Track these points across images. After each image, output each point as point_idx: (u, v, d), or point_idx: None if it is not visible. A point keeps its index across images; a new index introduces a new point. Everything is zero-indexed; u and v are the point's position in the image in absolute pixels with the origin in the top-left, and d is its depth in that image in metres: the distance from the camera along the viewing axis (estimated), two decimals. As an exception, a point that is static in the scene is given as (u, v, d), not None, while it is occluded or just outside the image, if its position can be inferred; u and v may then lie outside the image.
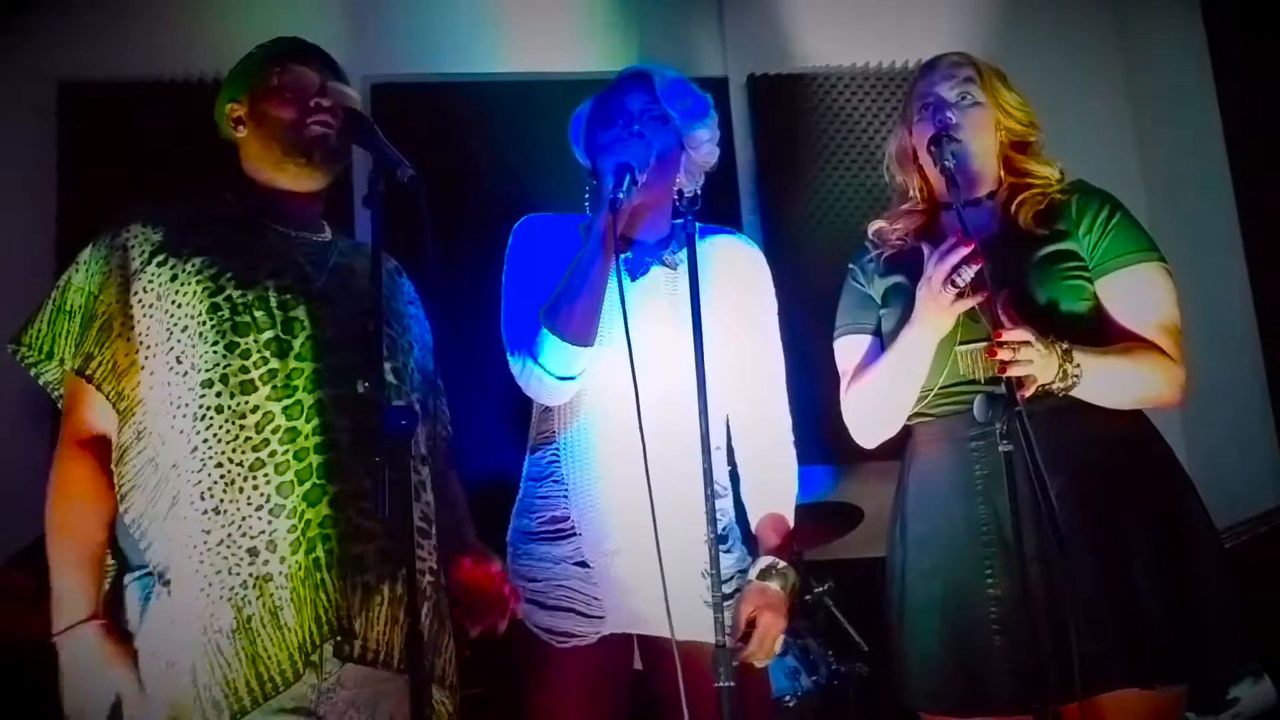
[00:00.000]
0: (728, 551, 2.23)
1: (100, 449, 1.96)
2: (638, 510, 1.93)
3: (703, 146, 2.34)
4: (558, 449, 2.24)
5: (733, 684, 1.79)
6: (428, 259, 1.88)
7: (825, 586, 3.60)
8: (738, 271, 2.34)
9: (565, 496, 2.21)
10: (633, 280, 2.24)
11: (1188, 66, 4.22)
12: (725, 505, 2.28)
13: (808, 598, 3.55)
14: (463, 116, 4.14)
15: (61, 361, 1.97)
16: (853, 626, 3.61)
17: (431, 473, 2.05)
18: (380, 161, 1.89)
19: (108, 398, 1.94)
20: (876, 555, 2.33)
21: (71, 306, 1.98)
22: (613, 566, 2.14)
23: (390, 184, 1.86)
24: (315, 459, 1.87)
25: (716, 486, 2.21)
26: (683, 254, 2.15)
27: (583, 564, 2.17)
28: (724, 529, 2.24)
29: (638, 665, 2.28)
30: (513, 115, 4.07)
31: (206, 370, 1.89)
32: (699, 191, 2.33)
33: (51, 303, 2.01)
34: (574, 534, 2.19)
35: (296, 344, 1.93)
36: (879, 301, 2.32)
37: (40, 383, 2.05)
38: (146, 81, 4.07)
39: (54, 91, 4.03)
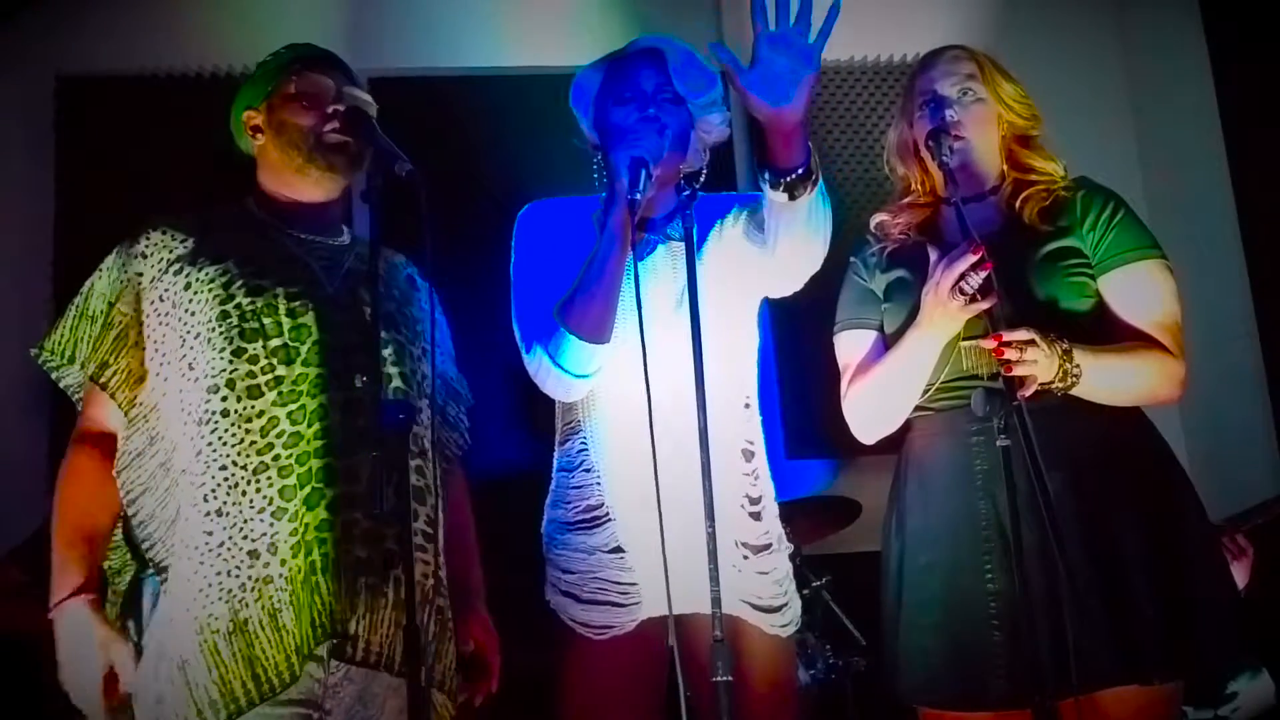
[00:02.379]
0: (758, 519, 2.20)
1: (106, 446, 2.00)
2: (668, 489, 1.89)
3: (714, 130, 2.33)
4: (585, 438, 2.22)
5: (729, 678, 1.78)
6: (426, 254, 1.88)
7: (823, 581, 3.60)
8: (734, 229, 2.29)
9: (598, 484, 2.19)
10: (640, 261, 2.20)
11: (1186, 61, 4.21)
12: (758, 466, 2.24)
13: (805, 592, 3.55)
14: (461, 111, 4.13)
15: (83, 366, 2.01)
16: (851, 621, 3.61)
17: (440, 480, 2.07)
18: (379, 157, 1.90)
19: (120, 405, 1.98)
20: (875, 550, 2.32)
21: (94, 312, 2.02)
22: (647, 548, 2.11)
23: (389, 179, 1.86)
24: (315, 463, 1.88)
25: (746, 445, 2.23)
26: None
27: (618, 550, 2.15)
28: (758, 494, 2.22)
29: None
30: (511, 110, 4.06)
31: (213, 376, 1.91)
32: (704, 169, 2.32)
33: (75, 309, 2.04)
34: (608, 520, 2.17)
35: (304, 350, 1.94)
36: (881, 296, 2.32)
37: (62, 385, 2.10)
38: (145, 75, 4.06)
39: (52, 86, 4.03)
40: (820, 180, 2.00)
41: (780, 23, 1.85)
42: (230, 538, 1.84)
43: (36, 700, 2.94)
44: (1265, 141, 3.89)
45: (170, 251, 2.01)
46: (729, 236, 2.26)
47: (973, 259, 2.00)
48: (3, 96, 4.03)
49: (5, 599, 3.02)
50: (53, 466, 3.54)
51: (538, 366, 2.16)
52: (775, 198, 1.99)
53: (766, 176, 1.98)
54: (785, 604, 2.20)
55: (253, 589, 1.82)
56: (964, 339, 2.14)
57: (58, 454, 2.06)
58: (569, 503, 2.23)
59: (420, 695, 1.64)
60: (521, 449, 3.49)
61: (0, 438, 3.74)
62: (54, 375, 2.08)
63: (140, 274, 2.01)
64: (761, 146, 1.99)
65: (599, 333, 2.11)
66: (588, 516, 2.19)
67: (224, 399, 1.90)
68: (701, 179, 2.30)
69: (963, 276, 2.02)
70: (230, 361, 1.91)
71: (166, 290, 1.98)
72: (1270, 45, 3.86)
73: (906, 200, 2.36)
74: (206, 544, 1.84)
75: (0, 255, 3.88)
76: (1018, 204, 2.23)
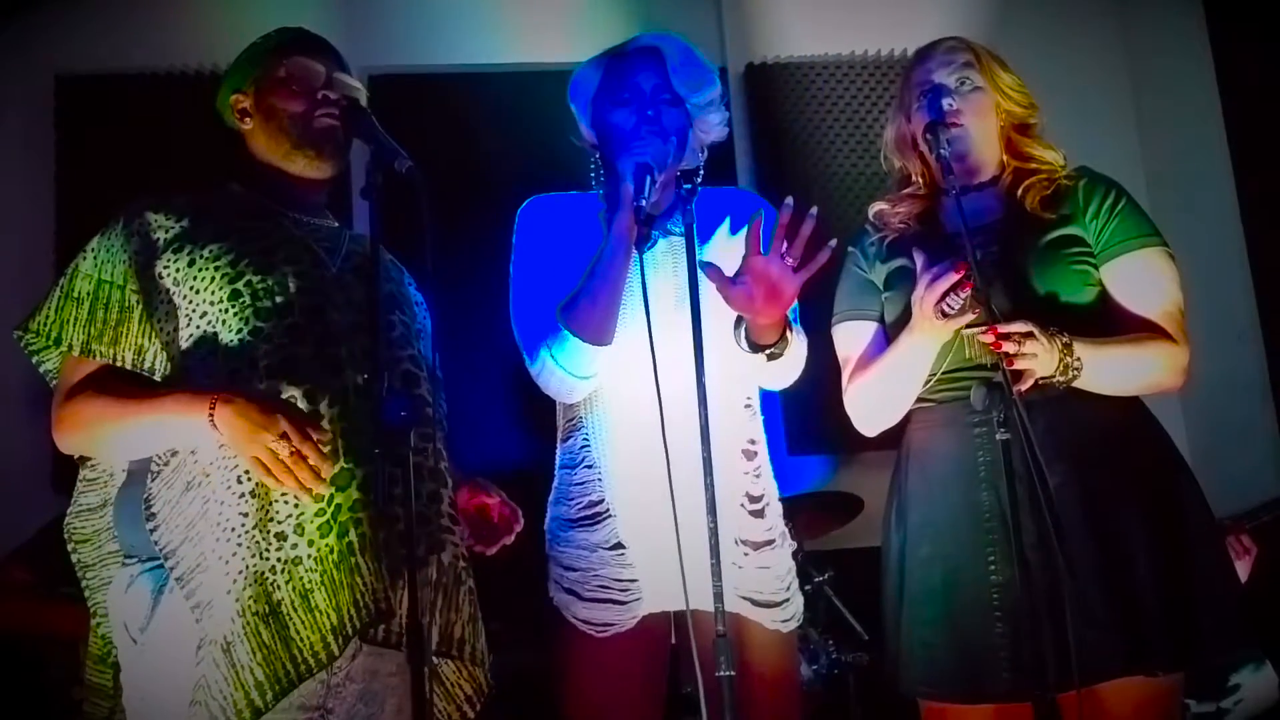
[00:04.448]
0: (760, 516, 2.21)
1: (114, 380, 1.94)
2: (667, 485, 1.89)
3: (713, 130, 2.34)
4: (587, 434, 2.22)
5: (733, 673, 1.79)
6: (427, 251, 1.88)
7: (825, 576, 3.60)
8: (740, 220, 2.28)
9: (600, 480, 2.19)
10: (640, 255, 2.19)
11: (1189, 56, 4.21)
12: (760, 465, 2.25)
13: (807, 588, 3.55)
14: (461, 108, 4.13)
15: (70, 348, 1.96)
16: (853, 616, 3.61)
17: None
18: (378, 153, 1.90)
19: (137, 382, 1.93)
20: (877, 545, 2.32)
21: (80, 294, 1.97)
22: (647, 545, 2.13)
23: (388, 176, 1.86)
24: (340, 444, 1.87)
25: (748, 445, 2.23)
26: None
27: (619, 546, 2.16)
28: (759, 493, 2.22)
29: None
30: (511, 106, 4.06)
31: (234, 357, 1.89)
32: (700, 167, 2.32)
33: (59, 290, 1.99)
34: (610, 516, 2.17)
35: (316, 330, 1.93)
36: (881, 287, 2.32)
37: (41, 370, 2.04)
38: (144, 74, 4.06)
39: (51, 85, 4.03)
40: (794, 330, 2.14)
41: (769, 249, 2.00)
42: (260, 520, 1.83)
43: (38, 700, 2.95)
44: (1267, 134, 3.89)
45: (167, 231, 1.98)
46: (734, 244, 2.25)
47: (954, 278, 2.01)
48: (2, 96, 4.04)
49: (9, 599, 3.03)
50: (54, 467, 3.56)
51: (540, 368, 2.17)
52: (751, 357, 2.12)
53: (743, 343, 2.11)
54: (787, 599, 2.20)
55: (283, 571, 1.82)
56: (967, 325, 2.14)
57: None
58: (571, 499, 2.23)
59: (422, 691, 1.64)
60: (523, 447, 3.49)
61: (1, 438, 3.74)
62: (34, 359, 2.02)
63: (138, 252, 1.97)
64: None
65: (601, 335, 2.12)
66: (589, 513, 2.20)
67: (246, 380, 1.88)
68: (699, 176, 2.31)
69: (943, 298, 2.02)
70: (249, 340, 1.90)
71: (167, 267, 1.95)
72: (1272, 36, 3.85)
73: (906, 191, 2.36)
74: (242, 525, 1.82)
75: (0, 255, 3.88)
76: (1019, 192, 2.23)
